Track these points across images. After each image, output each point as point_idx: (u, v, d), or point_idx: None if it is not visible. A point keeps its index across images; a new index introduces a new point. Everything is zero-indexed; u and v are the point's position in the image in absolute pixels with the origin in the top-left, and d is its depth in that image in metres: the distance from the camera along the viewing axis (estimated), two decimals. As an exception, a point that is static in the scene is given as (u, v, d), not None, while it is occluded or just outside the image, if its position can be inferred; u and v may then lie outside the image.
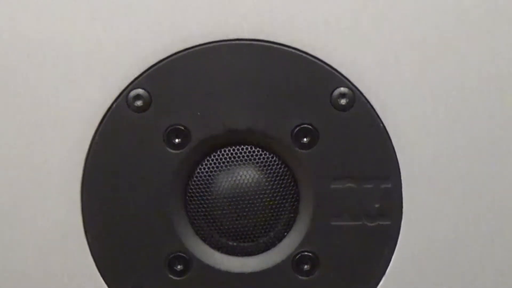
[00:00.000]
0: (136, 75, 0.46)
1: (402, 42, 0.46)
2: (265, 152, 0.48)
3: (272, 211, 0.48)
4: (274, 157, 0.48)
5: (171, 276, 0.48)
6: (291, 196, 0.48)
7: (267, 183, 0.47)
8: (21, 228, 0.47)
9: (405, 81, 0.46)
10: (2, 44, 0.46)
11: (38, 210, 0.47)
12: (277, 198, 0.48)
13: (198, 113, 0.46)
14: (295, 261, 0.48)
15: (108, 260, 0.48)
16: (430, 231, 0.47)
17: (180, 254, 0.48)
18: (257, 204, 0.47)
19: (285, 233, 0.48)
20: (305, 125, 0.46)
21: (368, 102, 0.46)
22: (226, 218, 0.47)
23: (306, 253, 0.48)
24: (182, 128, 0.46)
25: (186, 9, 0.46)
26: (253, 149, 0.48)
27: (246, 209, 0.47)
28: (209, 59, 0.46)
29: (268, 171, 0.48)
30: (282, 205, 0.48)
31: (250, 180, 0.47)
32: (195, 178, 0.48)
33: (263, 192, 0.47)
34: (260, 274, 0.48)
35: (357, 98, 0.46)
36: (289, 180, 0.48)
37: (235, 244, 0.48)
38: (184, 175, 0.47)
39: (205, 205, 0.48)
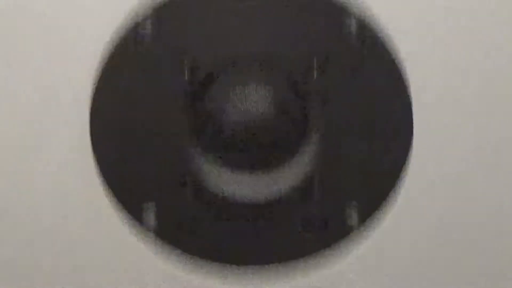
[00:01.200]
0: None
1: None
2: (276, 78, 0.48)
3: (282, 135, 0.48)
4: (286, 83, 0.48)
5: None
6: (301, 121, 0.48)
7: (278, 109, 0.47)
8: (29, 148, 0.47)
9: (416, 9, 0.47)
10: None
11: (45, 131, 0.47)
12: (288, 123, 0.48)
13: (209, 40, 0.46)
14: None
15: (117, 179, 0.47)
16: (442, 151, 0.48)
17: (190, 178, 0.47)
18: (268, 129, 0.47)
19: (296, 157, 0.48)
20: (316, 51, 0.47)
21: (380, 30, 0.47)
22: (236, 141, 0.47)
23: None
24: (194, 53, 0.46)
25: None
26: (264, 73, 0.48)
27: (257, 134, 0.47)
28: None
29: (280, 98, 0.48)
30: (293, 130, 0.48)
31: (260, 105, 0.47)
32: (206, 101, 0.48)
33: (274, 117, 0.47)
34: (271, 201, 0.48)
35: (368, 26, 0.47)
36: (300, 105, 0.48)
37: (245, 166, 0.48)
38: (195, 98, 0.47)
39: (215, 130, 0.47)
